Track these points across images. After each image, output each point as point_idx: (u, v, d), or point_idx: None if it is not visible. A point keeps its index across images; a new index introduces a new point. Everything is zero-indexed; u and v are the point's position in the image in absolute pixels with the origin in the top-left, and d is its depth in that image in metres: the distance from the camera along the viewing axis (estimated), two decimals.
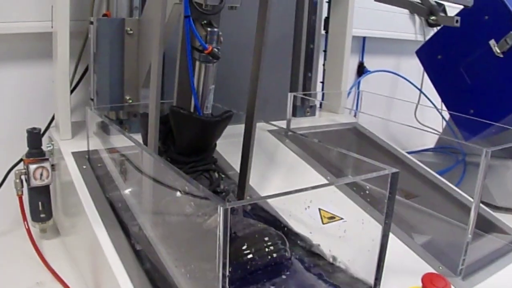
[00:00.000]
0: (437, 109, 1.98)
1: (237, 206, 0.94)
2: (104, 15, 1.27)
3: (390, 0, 1.38)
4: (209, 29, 0.91)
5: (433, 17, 1.39)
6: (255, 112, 1.03)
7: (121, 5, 1.26)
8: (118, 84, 1.27)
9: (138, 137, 1.04)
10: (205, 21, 0.93)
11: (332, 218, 1.05)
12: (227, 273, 0.63)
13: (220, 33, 0.94)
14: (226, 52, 1.03)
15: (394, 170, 0.81)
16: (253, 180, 1.13)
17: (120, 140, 1.10)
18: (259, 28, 0.97)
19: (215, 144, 1.07)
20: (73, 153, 1.20)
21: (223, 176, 1.09)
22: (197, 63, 0.95)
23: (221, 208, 0.60)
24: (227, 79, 1.30)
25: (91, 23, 1.24)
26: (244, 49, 1.12)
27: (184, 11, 0.85)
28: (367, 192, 1.04)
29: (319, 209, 1.05)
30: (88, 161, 1.19)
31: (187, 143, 0.99)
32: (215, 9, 0.91)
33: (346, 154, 0.97)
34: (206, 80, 0.97)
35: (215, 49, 0.91)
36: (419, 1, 1.38)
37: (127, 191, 1.07)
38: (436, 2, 1.44)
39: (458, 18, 1.35)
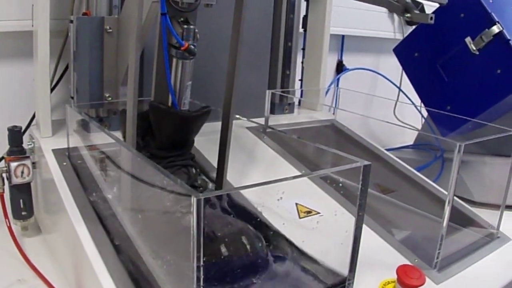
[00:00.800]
0: (415, 106, 2.00)
1: (213, 200, 0.95)
2: (84, 13, 1.28)
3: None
4: (185, 26, 0.93)
5: (408, 15, 1.41)
6: (231, 109, 1.04)
7: (100, 3, 1.27)
8: (98, 82, 1.28)
9: (118, 135, 1.05)
10: (181, 19, 0.94)
11: (308, 212, 1.06)
12: (201, 263, 0.65)
13: (197, 30, 0.95)
14: (204, 50, 1.04)
15: (366, 162, 0.83)
16: (232, 177, 1.15)
17: (100, 138, 1.11)
18: (235, 25, 0.99)
19: (193, 141, 1.08)
20: (53, 150, 1.21)
21: (200, 172, 1.10)
22: (174, 60, 0.96)
23: (195, 198, 0.61)
24: (205, 77, 1.31)
25: (71, 21, 1.24)
26: (222, 47, 1.14)
27: (160, 9, 0.87)
28: (342, 186, 1.05)
29: (296, 204, 1.07)
30: (68, 158, 1.19)
31: (166, 138, 1.01)
32: (191, 7, 0.93)
33: (323, 149, 0.99)
34: (183, 77, 0.98)
35: (191, 46, 0.93)
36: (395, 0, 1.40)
37: (106, 187, 1.07)
38: (411, 0, 1.46)
39: (433, 15, 1.38)
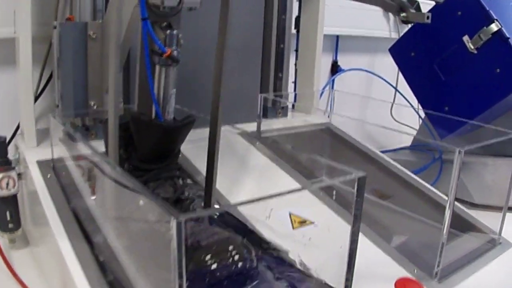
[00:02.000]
0: (413, 107, 1.97)
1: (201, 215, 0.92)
2: (68, 19, 1.24)
3: None
4: (168, 31, 0.89)
5: (403, 14, 1.37)
6: (219, 115, 1.00)
7: (84, 8, 1.23)
8: (82, 89, 1.24)
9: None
10: (164, 24, 0.90)
11: (303, 222, 1.03)
12: (184, 284, 0.61)
13: (180, 35, 0.91)
14: (192, 53, 1.00)
15: (361, 174, 0.78)
16: (223, 185, 1.11)
17: (84, 148, 1.08)
18: (221, 28, 0.95)
19: (179, 150, 1.04)
20: (38, 161, 1.18)
21: (188, 182, 1.05)
22: (157, 67, 0.92)
23: (174, 220, 0.57)
24: (193, 81, 1.28)
25: (55, 27, 1.21)
26: (210, 49, 1.10)
27: (140, 13, 0.82)
28: (337, 193, 1.02)
29: (290, 214, 1.03)
30: (53, 169, 1.16)
31: (148, 150, 0.96)
32: (173, 11, 0.88)
33: (318, 157, 0.96)
34: (167, 84, 0.93)
35: (174, 52, 0.88)
36: None
37: (91, 200, 1.04)
38: None
39: (429, 14, 1.34)
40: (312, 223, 1.03)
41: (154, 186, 0.95)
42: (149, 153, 0.97)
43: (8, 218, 1.22)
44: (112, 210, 0.95)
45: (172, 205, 0.93)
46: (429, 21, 1.34)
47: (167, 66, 0.91)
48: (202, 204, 1.04)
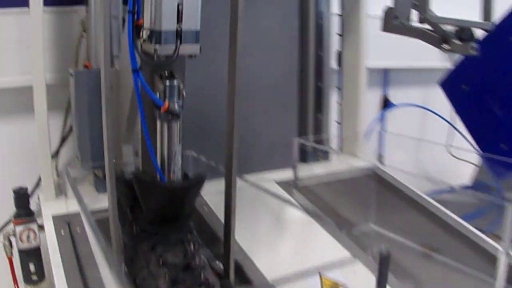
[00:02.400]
0: (471, 145, 1.83)
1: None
2: (85, 66, 1.19)
3: (399, 30, 1.26)
4: (167, 82, 0.79)
5: (446, 46, 1.25)
6: (233, 167, 0.90)
7: (100, 54, 1.17)
8: (99, 139, 1.17)
9: None
10: (165, 72, 0.81)
11: (334, 286, 0.93)
12: None
13: (182, 86, 0.81)
14: (212, 93, 0.98)
15: (384, 250, 0.68)
16: (251, 243, 1.05)
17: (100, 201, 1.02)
18: (231, 69, 0.85)
19: (191, 211, 0.93)
20: (53, 216, 1.13)
21: (199, 248, 0.95)
22: (158, 121, 0.83)
23: None
24: (216, 124, 1.20)
25: (71, 75, 1.16)
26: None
27: (131, 64, 0.74)
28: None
29: (320, 275, 0.93)
30: (68, 225, 1.11)
31: (154, 211, 0.86)
32: (170, 60, 0.78)
33: (362, 203, 0.87)
34: (171, 141, 0.84)
35: (174, 105, 0.79)
36: (431, 29, 1.25)
37: (102, 263, 0.97)
38: (458, 27, 1.30)
39: (475, 45, 1.22)
40: (343, 286, 0.92)
41: (162, 250, 0.85)
42: (155, 215, 0.88)
43: (32, 270, 1.22)
44: None
45: (181, 272, 0.84)
46: (474, 52, 1.22)
47: (167, 121, 0.82)
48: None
